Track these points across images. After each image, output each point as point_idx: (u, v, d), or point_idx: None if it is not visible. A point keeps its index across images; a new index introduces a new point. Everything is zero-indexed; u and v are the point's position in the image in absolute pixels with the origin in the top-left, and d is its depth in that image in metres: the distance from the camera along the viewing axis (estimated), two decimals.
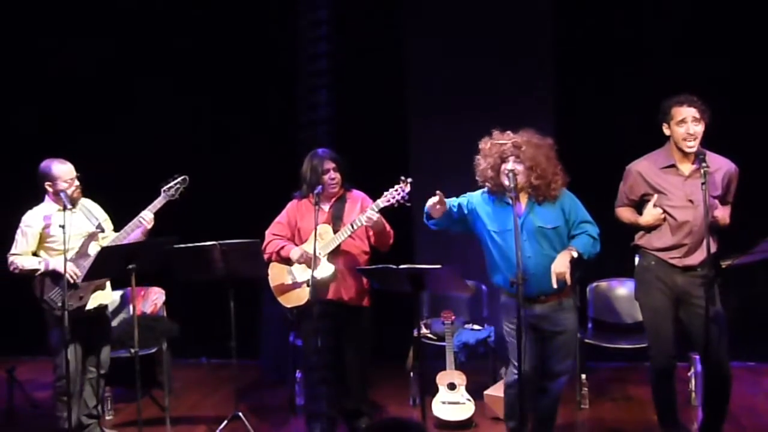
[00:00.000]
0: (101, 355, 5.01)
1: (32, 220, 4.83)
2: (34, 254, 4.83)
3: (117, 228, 4.97)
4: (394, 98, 6.61)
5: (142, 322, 5.43)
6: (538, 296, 4.16)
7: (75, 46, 6.90)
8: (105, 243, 4.85)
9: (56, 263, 4.72)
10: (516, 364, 4.18)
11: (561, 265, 4.10)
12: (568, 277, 4.10)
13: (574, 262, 4.13)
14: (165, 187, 4.92)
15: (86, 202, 4.95)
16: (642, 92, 5.84)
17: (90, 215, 4.89)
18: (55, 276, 4.75)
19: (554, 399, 4.41)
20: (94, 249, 4.83)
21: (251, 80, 6.83)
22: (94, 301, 4.88)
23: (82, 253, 4.79)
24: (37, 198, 4.94)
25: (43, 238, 4.82)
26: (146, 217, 4.84)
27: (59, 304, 4.71)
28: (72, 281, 4.70)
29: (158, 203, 4.90)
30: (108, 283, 4.99)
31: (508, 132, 4.24)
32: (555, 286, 4.10)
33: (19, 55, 7.03)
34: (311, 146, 5.00)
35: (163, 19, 6.85)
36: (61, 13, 6.94)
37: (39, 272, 4.78)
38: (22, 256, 4.80)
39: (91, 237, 4.85)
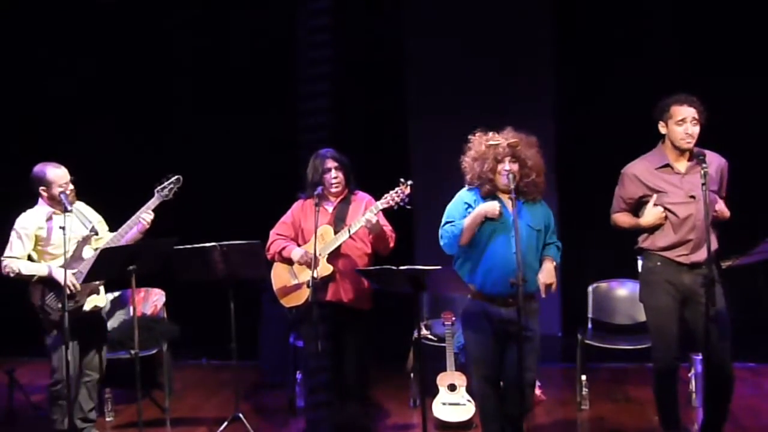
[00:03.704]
0: (96, 359, 4.98)
1: (27, 223, 4.79)
2: (29, 258, 4.81)
3: (113, 228, 4.93)
4: (394, 98, 6.61)
5: (143, 324, 5.43)
6: (507, 297, 4.07)
7: (73, 44, 6.90)
8: (100, 244, 4.83)
9: (57, 272, 4.70)
10: (478, 373, 4.22)
11: (549, 276, 4.14)
12: (554, 286, 4.15)
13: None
14: (158, 188, 4.86)
15: (79, 206, 4.92)
16: (642, 92, 5.82)
17: (84, 219, 4.85)
18: (51, 282, 4.74)
19: (528, 404, 4.28)
20: (87, 253, 4.82)
21: (252, 81, 6.83)
22: (88, 304, 4.85)
23: (76, 256, 4.76)
24: (28, 199, 4.90)
25: (36, 241, 4.80)
26: (146, 218, 4.79)
27: (59, 306, 4.70)
28: (70, 291, 4.66)
29: (152, 204, 4.84)
30: (102, 287, 4.96)
31: (492, 133, 4.21)
32: (543, 296, 4.14)
33: (13, 55, 7.02)
34: (312, 147, 4.99)
35: (164, 20, 6.85)
36: (59, 12, 6.95)
37: (35, 278, 4.75)
38: (20, 259, 4.77)
39: (85, 240, 4.82)
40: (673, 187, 4.34)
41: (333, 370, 4.74)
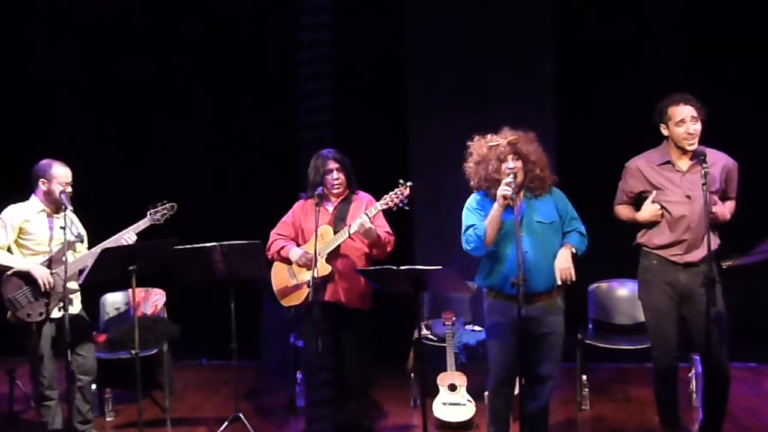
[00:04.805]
0: (86, 363, 4.96)
1: (14, 214, 4.80)
2: (8, 250, 4.80)
3: (91, 245, 4.89)
4: (394, 98, 6.61)
5: (143, 324, 5.43)
6: (529, 296, 4.03)
7: (76, 53, 6.90)
8: (77, 257, 4.83)
9: (35, 269, 4.69)
10: (494, 370, 4.21)
11: (564, 260, 4.09)
12: (572, 272, 4.08)
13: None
14: (152, 210, 4.90)
15: (68, 213, 4.91)
16: (642, 92, 5.83)
17: (71, 225, 4.84)
18: (27, 277, 4.71)
19: (545, 404, 4.31)
20: (69, 257, 4.77)
21: (252, 81, 6.83)
22: (57, 312, 4.74)
23: (56, 259, 4.74)
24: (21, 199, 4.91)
25: (19, 235, 4.80)
26: (130, 239, 4.81)
27: (28, 302, 4.70)
28: (44, 290, 4.68)
29: (141, 225, 4.87)
30: (78, 295, 4.92)
31: (490, 135, 4.20)
32: (559, 282, 4.09)
33: (17, 63, 7.02)
34: (312, 147, 4.99)
35: (165, 22, 6.85)
36: (60, 23, 6.95)
37: (11, 271, 4.73)
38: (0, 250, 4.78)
39: (69, 246, 4.80)
40: (672, 185, 4.34)
41: (333, 370, 4.74)
